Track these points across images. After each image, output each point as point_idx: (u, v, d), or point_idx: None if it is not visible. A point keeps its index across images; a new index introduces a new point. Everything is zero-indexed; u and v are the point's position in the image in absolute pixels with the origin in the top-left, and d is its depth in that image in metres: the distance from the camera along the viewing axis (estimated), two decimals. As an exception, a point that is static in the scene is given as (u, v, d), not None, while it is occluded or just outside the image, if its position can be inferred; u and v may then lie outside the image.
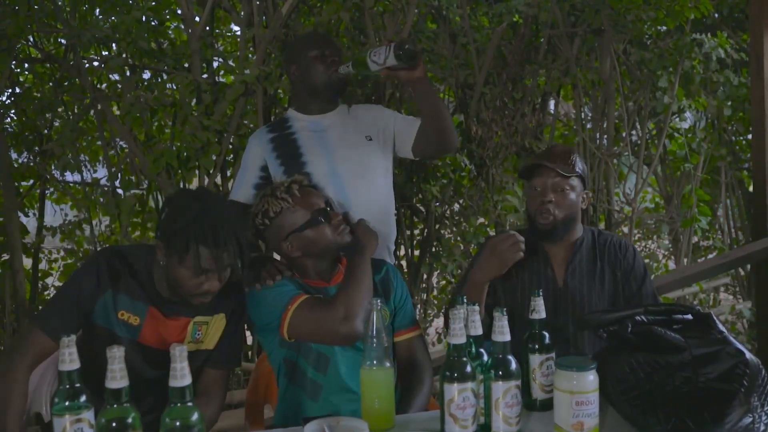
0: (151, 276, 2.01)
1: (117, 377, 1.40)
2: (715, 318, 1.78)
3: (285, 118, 2.60)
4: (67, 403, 1.45)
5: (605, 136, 4.57)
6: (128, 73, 3.93)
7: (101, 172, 4.31)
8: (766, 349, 3.69)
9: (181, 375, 1.40)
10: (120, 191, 3.98)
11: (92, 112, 4.04)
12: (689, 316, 1.81)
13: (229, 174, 4.05)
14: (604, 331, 1.85)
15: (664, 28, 4.36)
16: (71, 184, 4.37)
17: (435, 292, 4.76)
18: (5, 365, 1.95)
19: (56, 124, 4.24)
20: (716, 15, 4.68)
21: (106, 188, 4.07)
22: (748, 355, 1.67)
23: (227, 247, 1.88)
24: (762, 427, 1.62)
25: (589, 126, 4.74)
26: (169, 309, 2.02)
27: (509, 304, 2.21)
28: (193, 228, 1.86)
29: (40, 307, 2.21)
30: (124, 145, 4.01)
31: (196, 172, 3.66)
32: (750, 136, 4.23)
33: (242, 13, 3.87)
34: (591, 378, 1.64)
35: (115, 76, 4.13)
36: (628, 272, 2.29)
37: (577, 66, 4.34)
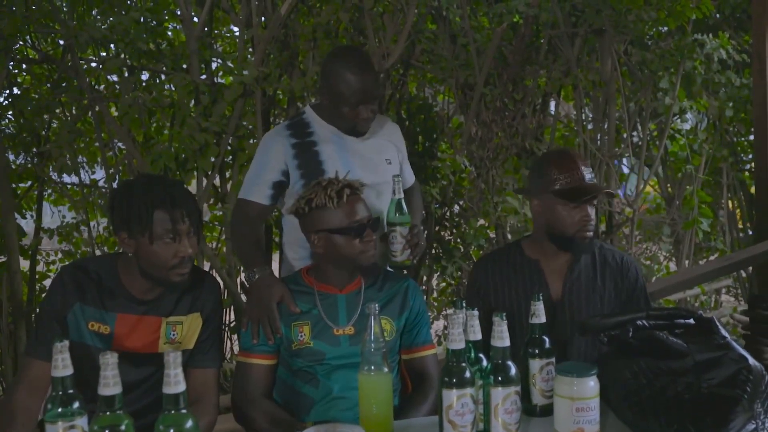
0: (118, 281, 2.03)
1: (110, 384, 1.37)
2: (717, 323, 1.76)
3: (306, 122, 2.50)
4: (60, 410, 1.43)
5: (606, 137, 4.56)
6: (126, 74, 3.92)
7: (99, 174, 4.30)
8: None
9: (174, 382, 1.38)
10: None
11: (90, 113, 4.03)
12: (691, 321, 1.80)
13: (228, 175, 4.04)
14: (605, 335, 1.84)
15: (666, 28, 4.36)
16: (69, 186, 4.36)
17: (435, 294, 4.75)
18: (6, 398, 2.00)
19: (54, 125, 4.24)
20: (717, 15, 4.67)
21: (104, 190, 4.05)
22: (751, 360, 1.66)
23: (185, 205, 1.94)
24: (766, 434, 1.60)
25: (590, 127, 4.73)
26: (141, 310, 2.03)
27: (517, 316, 2.22)
28: (145, 198, 1.91)
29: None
30: (122, 147, 4.00)
31: (195, 173, 3.64)
32: (752, 137, 4.22)
33: (241, 14, 3.85)
34: (592, 384, 1.63)
35: (113, 77, 4.13)
36: (630, 293, 2.30)
37: (577, 66, 4.33)
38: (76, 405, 1.44)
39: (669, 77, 4.21)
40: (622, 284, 2.29)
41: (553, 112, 4.81)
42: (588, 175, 2.21)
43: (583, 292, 2.26)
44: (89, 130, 4.25)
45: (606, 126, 4.56)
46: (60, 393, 1.43)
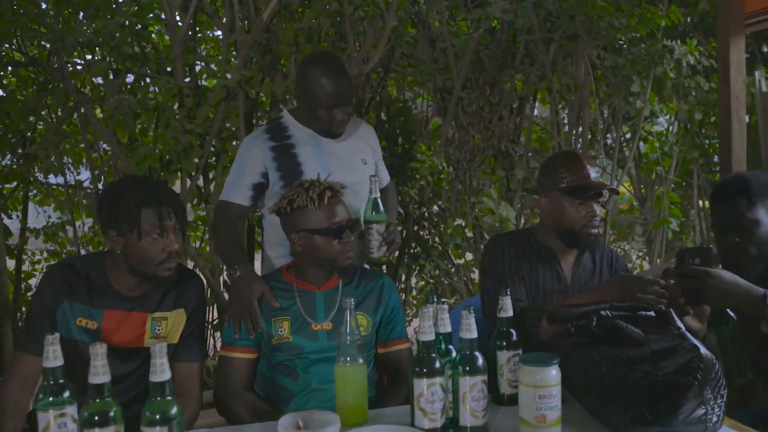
0: (106, 279, 2.11)
1: (99, 373, 1.46)
2: (674, 315, 1.86)
3: (284, 126, 2.60)
4: (51, 399, 1.50)
5: (580, 140, 4.67)
6: (111, 77, 3.97)
7: (84, 175, 4.35)
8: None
9: (160, 370, 1.47)
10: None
11: (75, 115, 4.08)
12: (651, 313, 1.90)
13: (211, 176, 4.10)
14: (572, 325, 1.94)
15: (637, 34, 4.47)
16: (54, 187, 4.41)
17: (414, 293, 4.84)
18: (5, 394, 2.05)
19: (39, 126, 4.28)
20: (688, 20, 4.80)
21: (89, 190, 4.11)
22: (703, 350, 1.74)
23: (171, 203, 2.05)
24: (714, 418, 1.70)
25: (565, 129, 4.84)
26: (127, 307, 2.12)
27: (529, 297, 2.34)
28: (133, 197, 2.02)
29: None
30: (107, 148, 4.05)
31: (179, 174, 3.71)
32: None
33: (224, 18, 3.91)
34: (553, 373, 1.72)
35: (99, 80, 4.18)
36: None
37: (552, 71, 4.44)
38: (66, 394, 1.51)
39: (640, 81, 4.33)
40: (610, 274, 2.44)
41: (529, 115, 4.91)
42: (593, 173, 2.33)
43: (586, 281, 2.41)
44: (74, 132, 4.30)
45: (580, 128, 4.66)
46: (51, 383, 1.50)
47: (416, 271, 4.55)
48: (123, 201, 2.02)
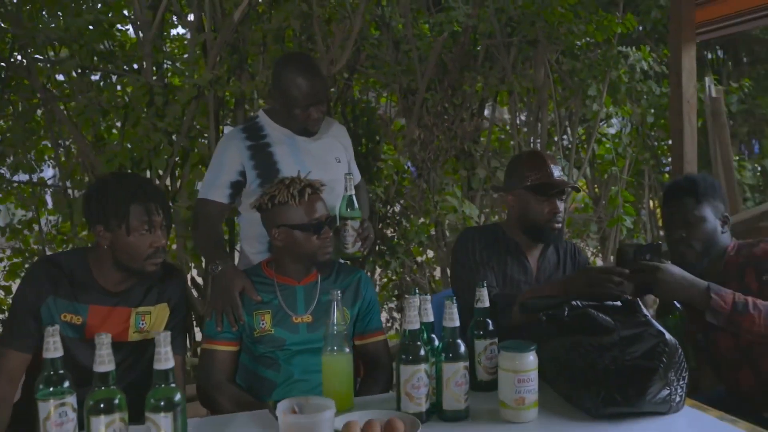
0: (90, 274, 2.15)
1: (105, 361, 1.51)
2: (640, 303, 1.99)
3: (259, 125, 2.66)
4: (51, 389, 1.54)
5: (539, 141, 4.82)
6: (74, 74, 3.94)
7: (47, 172, 4.30)
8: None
9: (165, 358, 1.53)
10: (70, 191, 3.99)
11: (39, 112, 4.04)
12: (618, 303, 2.03)
13: (177, 174, 4.11)
14: (544, 314, 2.05)
15: (594, 40, 4.64)
16: (16, 184, 4.35)
17: (378, 289, 4.92)
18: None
19: (0, 123, 4.22)
20: (641, 28, 5.00)
21: (54, 188, 4.07)
22: (668, 335, 1.87)
23: (158, 199, 2.12)
24: (677, 399, 1.84)
25: (524, 130, 4.99)
26: (112, 302, 2.16)
27: (498, 287, 2.44)
28: (121, 193, 2.07)
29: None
30: (72, 146, 4.02)
31: (148, 172, 3.72)
32: (670, 142, 4.55)
33: (190, 17, 3.92)
34: (531, 358, 1.84)
35: (60, 77, 4.14)
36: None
37: (512, 74, 4.57)
38: (66, 384, 1.55)
39: (596, 85, 4.51)
40: (574, 267, 2.57)
41: (489, 117, 5.05)
42: (556, 172, 2.45)
43: (551, 273, 2.53)
44: (37, 129, 4.25)
45: (539, 130, 4.82)
46: (51, 373, 1.54)
47: (381, 268, 4.63)
48: (111, 196, 2.07)
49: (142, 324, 2.19)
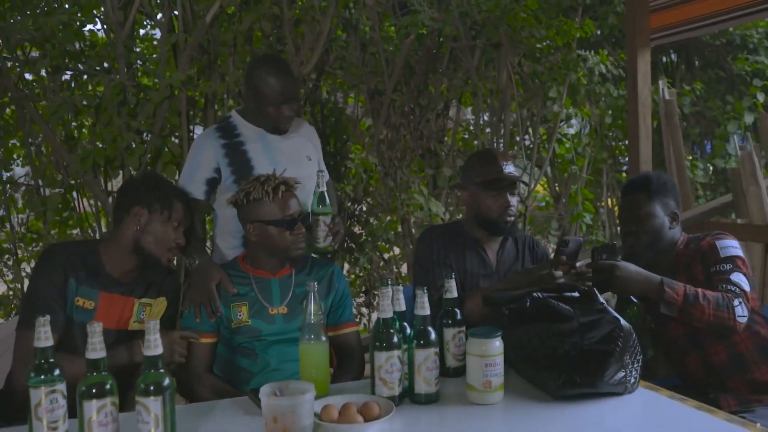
0: (100, 263, 2.27)
1: (97, 349, 1.57)
2: (596, 292, 2.12)
3: (233, 125, 2.75)
4: (42, 377, 1.60)
5: (501, 140, 4.96)
6: (44, 74, 3.95)
7: (18, 171, 4.30)
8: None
9: (154, 345, 1.60)
10: (43, 189, 4.01)
11: (7, 110, 4.04)
12: (576, 294, 2.16)
13: (148, 172, 4.15)
14: (506, 308, 2.17)
15: (554, 44, 4.79)
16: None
17: (346, 285, 5.00)
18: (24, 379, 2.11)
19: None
20: (599, 33, 5.18)
21: (27, 186, 4.08)
22: (623, 321, 2.00)
23: (188, 203, 2.40)
24: (632, 380, 1.97)
25: (487, 131, 5.13)
26: (118, 290, 2.28)
27: (458, 281, 2.52)
28: (171, 189, 2.36)
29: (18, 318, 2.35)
30: (42, 146, 4.03)
31: (120, 171, 3.76)
32: (627, 142, 4.72)
33: (160, 16, 3.95)
34: (497, 344, 1.95)
35: (29, 76, 4.15)
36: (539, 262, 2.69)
37: (476, 76, 4.69)
38: (56, 372, 1.61)
39: (557, 87, 4.66)
40: (533, 259, 2.67)
41: (454, 117, 5.17)
42: (507, 168, 2.55)
43: (510, 265, 2.63)
44: (7, 127, 4.25)
45: (501, 130, 4.95)
46: (42, 362, 1.59)
47: (350, 265, 4.72)
48: (164, 185, 2.35)
49: (143, 315, 2.32)
